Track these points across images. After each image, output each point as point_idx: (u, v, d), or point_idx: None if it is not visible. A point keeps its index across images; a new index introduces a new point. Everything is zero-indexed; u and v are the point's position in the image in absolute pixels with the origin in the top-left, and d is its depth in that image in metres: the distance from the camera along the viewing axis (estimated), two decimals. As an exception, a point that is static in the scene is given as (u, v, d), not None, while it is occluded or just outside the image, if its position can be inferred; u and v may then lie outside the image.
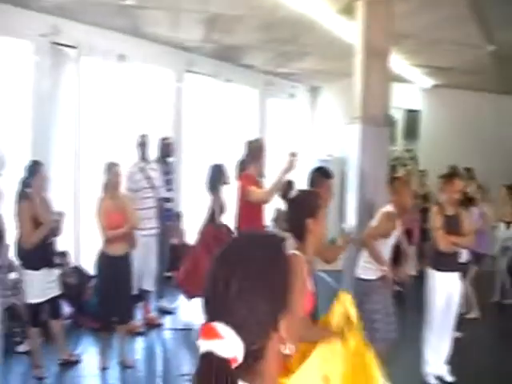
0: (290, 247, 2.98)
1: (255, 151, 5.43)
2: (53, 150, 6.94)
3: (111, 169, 5.30)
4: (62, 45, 7.17)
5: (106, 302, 5.31)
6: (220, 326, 1.12)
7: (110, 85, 7.82)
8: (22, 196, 5.03)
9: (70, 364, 5.42)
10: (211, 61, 9.68)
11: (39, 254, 5.11)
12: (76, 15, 7.11)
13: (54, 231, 5.34)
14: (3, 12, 6.49)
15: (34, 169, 5.15)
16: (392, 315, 4.83)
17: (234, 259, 1.22)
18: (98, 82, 7.70)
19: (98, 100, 7.62)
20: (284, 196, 7.08)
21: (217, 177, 6.64)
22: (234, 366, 1.10)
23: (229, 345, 1.11)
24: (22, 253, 5.11)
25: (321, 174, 4.73)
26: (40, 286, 5.14)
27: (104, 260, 5.30)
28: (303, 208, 3.02)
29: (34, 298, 5.14)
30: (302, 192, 3.30)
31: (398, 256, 5.35)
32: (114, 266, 5.25)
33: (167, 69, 9.04)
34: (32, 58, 6.98)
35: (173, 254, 7.43)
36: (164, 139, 7.21)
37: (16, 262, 6.07)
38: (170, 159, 7.23)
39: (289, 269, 1.26)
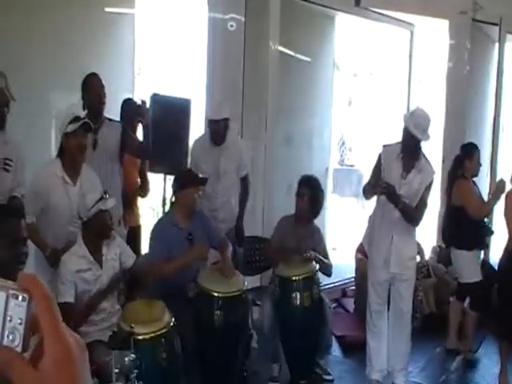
0: None
1: None
2: (468, 135, 6.51)
3: None
4: (482, 22, 6.76)
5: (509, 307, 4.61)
6: None
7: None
8: (459, 175, 5.06)
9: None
10: None
11: (473, 235, 5.09)
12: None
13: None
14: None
15: (471, 152, 5.07)
16: None
17: None
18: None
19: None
20: None
21: None
22: None
23: None
24: (456, 233, 5.14)
25: None
26: (474, 267, 5.13)
27: (508, 259, 4.66)
28: None
29: (469, 278, 5.14)
30: None
31: None
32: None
33: None
34: (449, 38, 6.79)
35: None
36: None
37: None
38: None
39: None
